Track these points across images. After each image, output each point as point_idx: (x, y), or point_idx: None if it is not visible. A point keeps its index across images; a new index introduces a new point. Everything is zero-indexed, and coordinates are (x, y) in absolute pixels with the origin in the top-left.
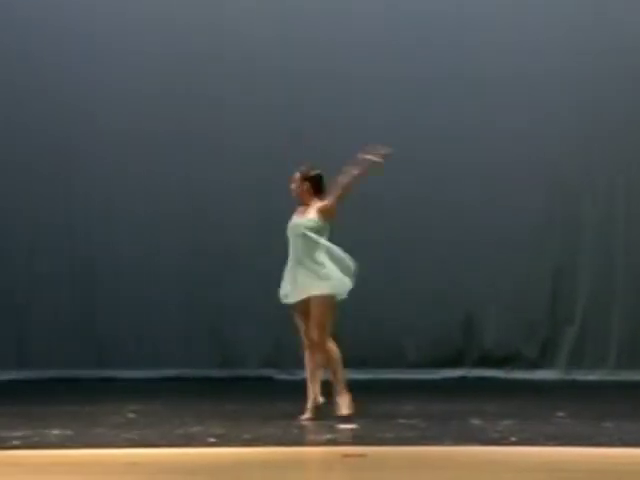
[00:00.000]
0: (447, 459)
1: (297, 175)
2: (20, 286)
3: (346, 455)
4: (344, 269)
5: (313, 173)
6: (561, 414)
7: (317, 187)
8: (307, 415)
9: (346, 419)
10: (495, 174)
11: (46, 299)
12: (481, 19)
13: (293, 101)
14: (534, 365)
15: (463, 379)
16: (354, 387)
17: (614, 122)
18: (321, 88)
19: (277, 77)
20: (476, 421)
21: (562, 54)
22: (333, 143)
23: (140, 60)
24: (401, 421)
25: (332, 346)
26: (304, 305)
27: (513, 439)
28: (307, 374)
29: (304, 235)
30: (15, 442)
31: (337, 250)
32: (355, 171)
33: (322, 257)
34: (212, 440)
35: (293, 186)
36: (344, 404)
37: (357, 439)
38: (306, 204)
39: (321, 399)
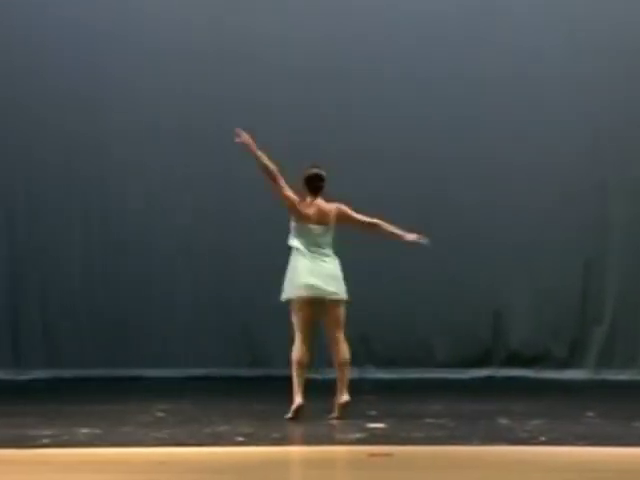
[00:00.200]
0: (475, 459)
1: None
2: (48, 286)
3: (372, 454)
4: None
5: (306, 173)
6: (591, 414)
7: (307, 186)
8: (334, 414)
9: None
10: (495, 174)
11: (77, 299)
12: (481, 19)
13: (293, 101)
14: (563, 365)
15: (491, 379)
16: (382, 386)
17: (614, 122)
18: (321, 87)
19: (277, 76)
20: (504, 421)
21: (562, 54)
22: (333, 143)
23: (140, 59)
24: (429, 420)
25: (296, 350)
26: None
27: (542, 439)
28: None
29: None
30: (45, 441)
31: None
32: (395, 231)
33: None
34: (240, 439)
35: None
36: (293, 407)
37: (384, 438)
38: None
39: (346, 397)
